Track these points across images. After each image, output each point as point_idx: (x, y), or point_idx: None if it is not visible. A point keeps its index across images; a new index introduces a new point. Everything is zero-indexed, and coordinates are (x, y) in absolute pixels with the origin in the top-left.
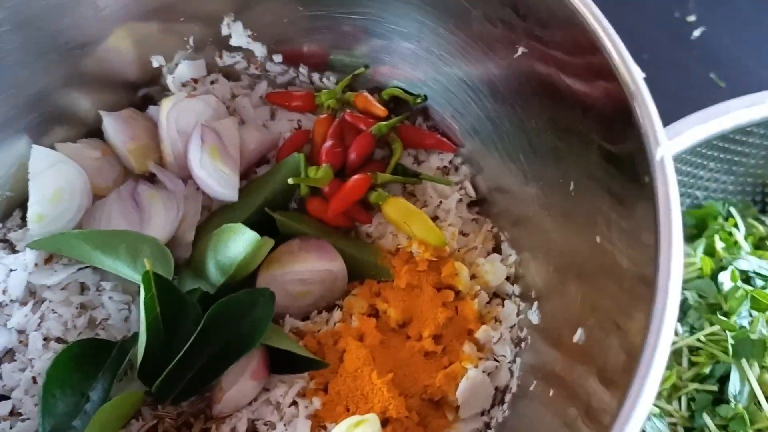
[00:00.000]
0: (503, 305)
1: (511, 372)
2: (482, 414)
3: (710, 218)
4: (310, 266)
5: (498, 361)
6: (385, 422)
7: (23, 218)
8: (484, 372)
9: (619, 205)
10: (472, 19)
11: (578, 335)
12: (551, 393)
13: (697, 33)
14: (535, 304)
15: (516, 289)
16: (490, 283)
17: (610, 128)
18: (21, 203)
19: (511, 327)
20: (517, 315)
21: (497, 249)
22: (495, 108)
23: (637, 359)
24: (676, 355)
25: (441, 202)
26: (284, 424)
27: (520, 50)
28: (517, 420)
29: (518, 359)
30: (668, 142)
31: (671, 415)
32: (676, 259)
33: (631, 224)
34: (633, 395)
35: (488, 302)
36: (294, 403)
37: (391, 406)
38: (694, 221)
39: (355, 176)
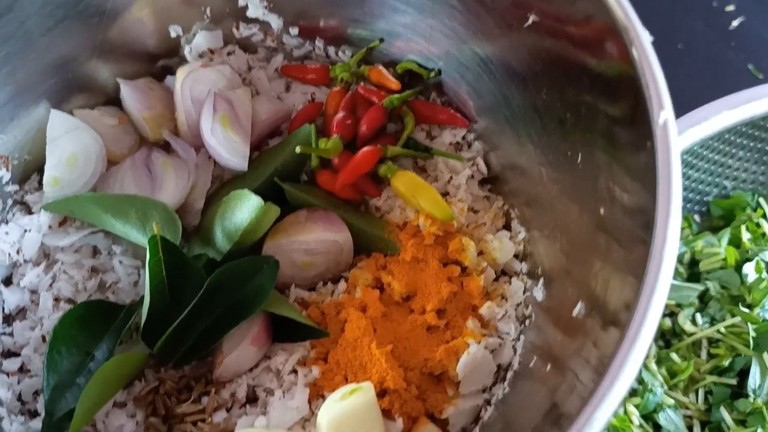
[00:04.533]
0: (510, 283)
1: (515, 349)
2: (483, 391)
3: (738, 209)
4: (316, 236)
5: (502, 339)
6: (383, 393)
7: (40, 182)
8: (486, 348)
9: (622, 174)
10: None
11: (578, 309)
12: (548, 368)
13: (735, 23)
14: (541, 281)
15: (524, 267)
16: (497, 260)
17: (616, 95)
18: (39, 167)
19: (517, 305)
20: (524, 293)
21: (508, 227)
22: (506, 81)
23: (624, 331)
24: (695, 346)
25: (451, 177)
26: (283, 391)
27: (531, 19)
28: (515, 396)
29: (522, 337)
30: (671, 107)
31: (687, 408)
32: (673, 228)
33: (632, 193)
34: (616, 368)
35: (495, 279)
36: (294, 371)
37: (389, 377)
38: (721, 212)
39: (365, 148)
